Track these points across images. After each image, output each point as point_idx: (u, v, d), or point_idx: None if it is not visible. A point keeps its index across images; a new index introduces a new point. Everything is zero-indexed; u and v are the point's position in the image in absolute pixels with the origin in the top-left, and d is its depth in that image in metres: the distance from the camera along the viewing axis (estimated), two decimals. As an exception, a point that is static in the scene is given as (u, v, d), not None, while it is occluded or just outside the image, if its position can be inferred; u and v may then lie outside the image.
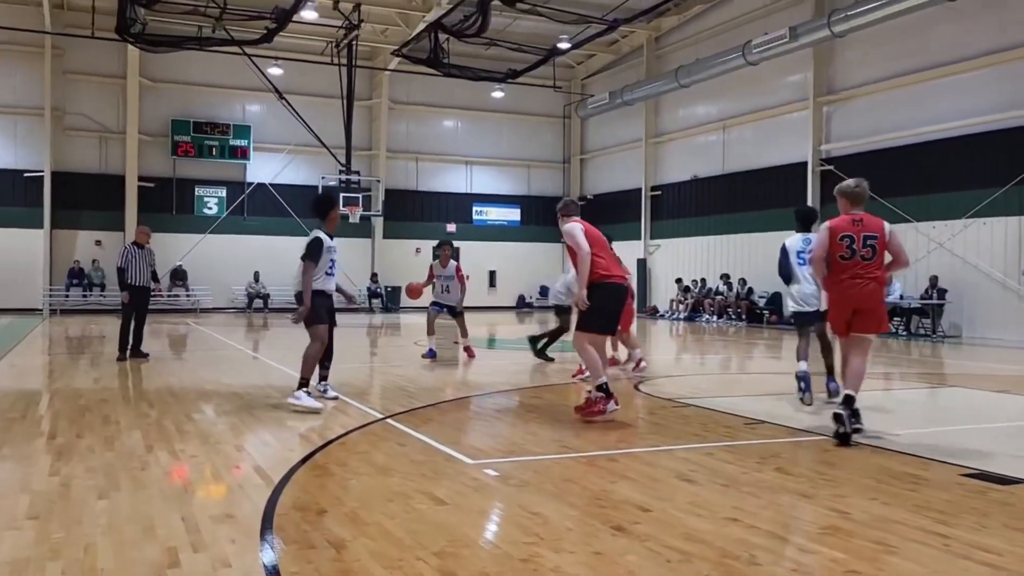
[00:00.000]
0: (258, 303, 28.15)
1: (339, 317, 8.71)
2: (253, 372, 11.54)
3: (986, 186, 18.29)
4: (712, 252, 26.76)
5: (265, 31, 21.51)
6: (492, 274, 32.77)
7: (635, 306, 11.67)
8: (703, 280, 26.64)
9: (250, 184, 29.10)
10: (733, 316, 24.57)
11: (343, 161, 27.12)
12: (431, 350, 12.50)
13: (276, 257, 26.49)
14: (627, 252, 25.35)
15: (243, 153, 28.82)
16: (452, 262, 12.67)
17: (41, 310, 25.78)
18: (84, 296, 26.60)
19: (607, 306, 7.23)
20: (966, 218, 18.76)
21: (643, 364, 10.81)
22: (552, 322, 12.76)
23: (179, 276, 27.76)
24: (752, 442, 6.44)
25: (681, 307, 26.67)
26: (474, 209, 32.64)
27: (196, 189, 28.66)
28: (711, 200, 26.74)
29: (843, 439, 6.26)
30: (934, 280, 19.02)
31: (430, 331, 12.68)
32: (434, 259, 13.05)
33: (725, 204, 26.09)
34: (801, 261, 8.51)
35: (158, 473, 5.31)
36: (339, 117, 27.04)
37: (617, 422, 7.12)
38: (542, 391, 9.41)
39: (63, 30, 24.93)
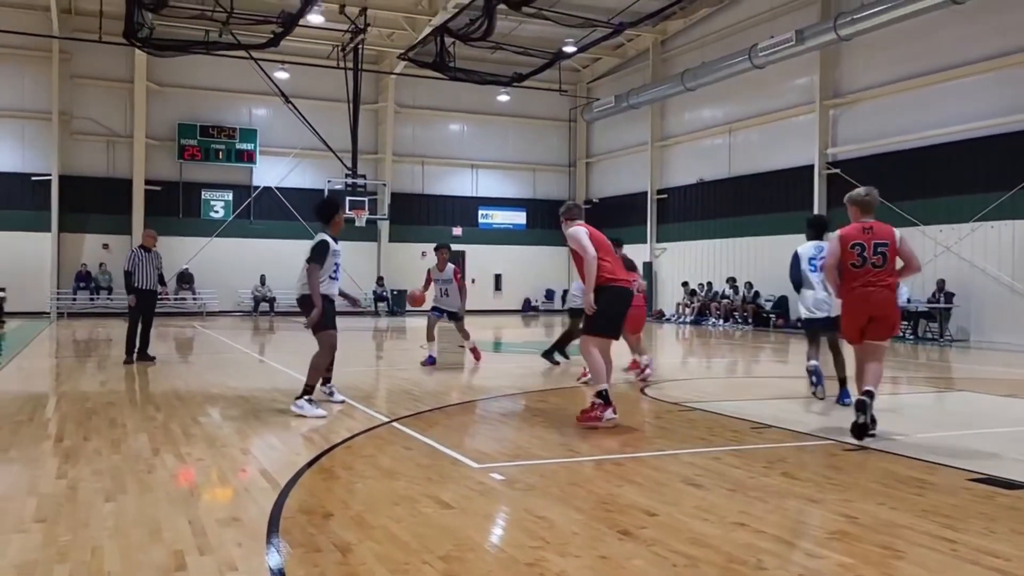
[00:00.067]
0: (264, 307, 28.22)
1: (345, 321, 8.72)
2: (259, 376, 11.56)
3: (993, 189, 18.24)
4: (718, 255, 26.74)
5: (272, 35, 21.56)
6: (498, 277, 32.80)
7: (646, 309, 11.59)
8: (709, 284, 26.61)
9: (256, 188, 29.18)
10: (739, 320, 24.53)
11: (349, 165, 27.16)
12: (430, 356, 12.24)
13: (282, 261, 26.54)
14: (633, 255, 25.30)
15: (249, 157, 28.91)
16: (450, 265, 12.37)
17: (49, 313, 25.87)
18: (91, 299, 26.68)
19: (613, 310, 7.20)
20: (973, 221, 18.71)
21: (648, 371, 10.78)
22: (562, 326, 12.75)
23: (186, 279, 27.84)
24: (759, 446, 6.42)
25: (687, 311, 26.64)
26: (480, 213, 32.67)
27: (203, 193, 28.76)
28: (717, 203, 26.72)
29: (861, 429, 6.37)
30: (941, 284, 18.97)
31: (429, 337, 12.39)
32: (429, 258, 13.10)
33: (731, 207, 26.07)
34: (813, 268, 8.56)
35: (164, 476, 5.32)
36: (345, 121, 27.08)
37: (623, 426, 7.10)
38: (548, 395, 9.41)
39: (71, 34, 25.08)
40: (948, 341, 18.65)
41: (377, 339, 19.50)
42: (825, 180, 22.61)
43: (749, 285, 24.80)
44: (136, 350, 12.28)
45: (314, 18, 23.11)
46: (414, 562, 3.70)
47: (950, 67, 19.28)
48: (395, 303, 29.62)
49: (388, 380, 10.94)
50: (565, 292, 32.49)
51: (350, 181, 27.08)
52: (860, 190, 6.93)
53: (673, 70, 27.54)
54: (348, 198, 26.92)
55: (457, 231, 31.89)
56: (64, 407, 8.16)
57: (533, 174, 33.38)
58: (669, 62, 28.62)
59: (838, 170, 22.14)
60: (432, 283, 12.39)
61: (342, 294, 8.34)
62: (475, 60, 25.27)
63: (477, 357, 12.60)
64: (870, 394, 6.47)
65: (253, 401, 8.63)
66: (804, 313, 8.84)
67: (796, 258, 8.80)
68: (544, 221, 32.09)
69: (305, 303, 7.83)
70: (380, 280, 30.23)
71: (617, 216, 30.43)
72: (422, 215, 31.31)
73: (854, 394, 6.89)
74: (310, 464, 5.65)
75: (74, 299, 26.54)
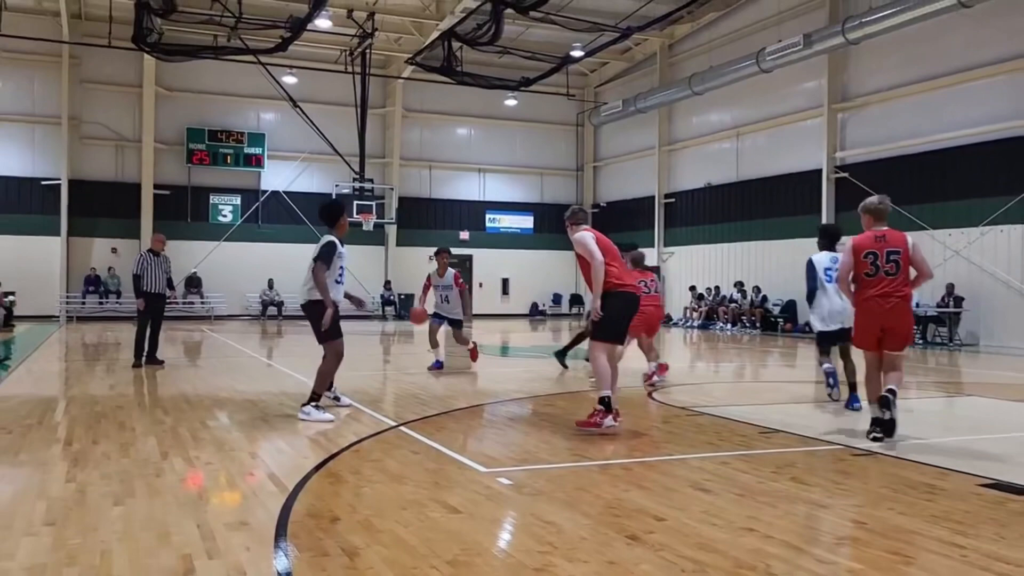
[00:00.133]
0: (272, 310, 28.29)
1: (352, 325, 8.72)
2: (267, 379, 11.58)
3: (1003, 193, 18.16)
4: (726, 260, 26.69)
5: (280, 40, 21.64)
6: (505, 282, 32.81)
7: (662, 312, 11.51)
8: (717, 288, 26.56)
9: (264, 192, 29.26)
10: (747, 324, 24.47)
11: (357, 169, 27.24)
12: (437, 362, 12.06)
13: (290, 265, 26.49)
14: (640, 260, 25.21)
15: (257, 161, 28.99)
16: (451, 270, 12.01)
17: (58, 317, 25.97)
18: (100, 303, 26.78)
19: (620, 315, 7.16)
20: (983, 226, 18.64)
21: (655, 377, 10.74)
22: (570, 330, 12.72)
23: (194, 283, 27.92)
24: (767, 451, 6.40)
25: (695, 315, 26.59)
26: (487, 217, 32.69)
27: (211, 197, 28.85)
28: (725, 207, 26.67)
29: (886, 426, 6.46)
30: (950, 288, 18.90)
31: (433, 344, 12.09)
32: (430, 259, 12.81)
33: (739, 211, 26.03)
34: (828, 278, 8.51)
35: (173, 480, 5.33)
36: (353, 125, 27.17)
37: (631, 431, 7.09)
38: (555, 399, 9.40)
39: (80, 40, 25.22)
40: (957, 345, 18.58)
41: (384, 343, 19.51)
42: (833, 184, 22.55)
43: (757, 289, 24.75)
44: (145, 354, 12.31)
45: (322, 23, 23.18)
46: (422, 566, 3.70)
47: (959, 71, 19.22)
48: (402, 307, 29.65)
49: (395, 384, 10.95)
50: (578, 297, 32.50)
51: (358, 185, 27.17)
52: (873, 199, 6.96)
53: (681, 74, 27.53)
54: (356, 202, 26.99)
55: (464, 235, 31.93)
56: (73, 411, 8.18)
57: (540, 178, 33.39)
58: (677, 66, 28.61)
59: (847, 174, 22.08)
60: (432, 289, 12.08)
61: (347, 296, 8.25)
62: (482, 64, 25.31)
63: (474, 357, 12.26)
64: (892, 392, 6.55)
65: (261, 405, 8.64)
66: (818, 325, 8.80)
67: (812, 267, 8.70)
68: (552, 225, 32.08)
69: (311, 309, 7.73)
70: (387, 284, 30.28)
71: (625, 220, 30.43)
72: (429, 219, 31.34)
73: (863, 398, 6.90)
74: (318, 468, 5.65)
75: (83, 303, 26.65)
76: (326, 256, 7.66)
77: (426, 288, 12.14)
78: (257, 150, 28.96)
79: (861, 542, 4.13)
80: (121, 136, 27.66)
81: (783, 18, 23.72)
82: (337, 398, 8.41)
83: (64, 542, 4.00)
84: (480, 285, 32.23)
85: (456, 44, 23.24)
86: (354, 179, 27.21)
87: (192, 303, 27.60)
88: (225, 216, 29.00)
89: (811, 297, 8.75)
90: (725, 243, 26.69)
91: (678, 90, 26.45)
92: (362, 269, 28.06)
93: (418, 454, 6.22)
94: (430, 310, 12.20)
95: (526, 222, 33.14)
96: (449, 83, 25.52)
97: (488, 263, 32.33)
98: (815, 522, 4.55)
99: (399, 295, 29.88)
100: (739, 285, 25.41)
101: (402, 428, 7.25)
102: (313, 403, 7.69)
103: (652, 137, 29.61)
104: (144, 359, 12.28)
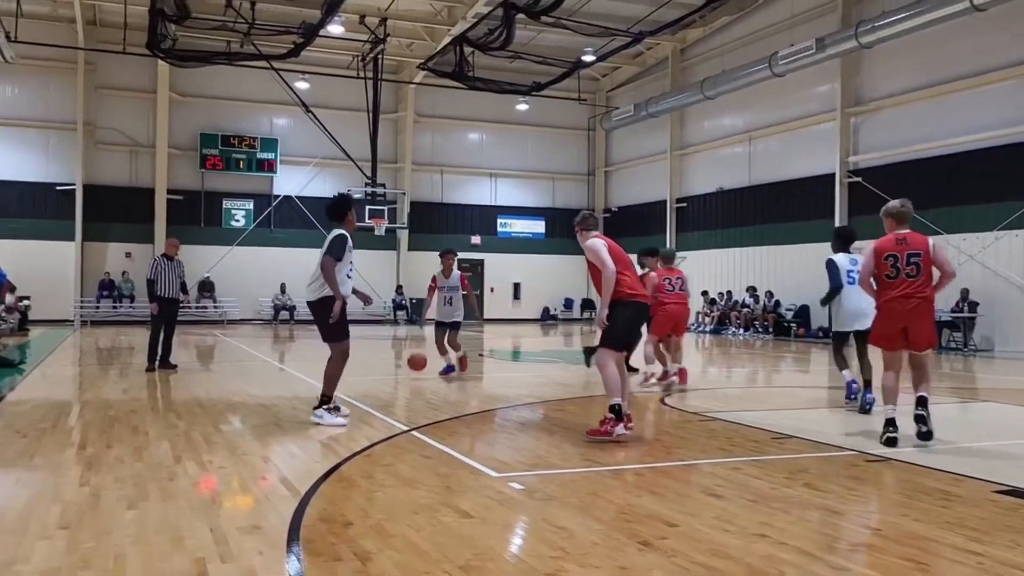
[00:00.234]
0: (284, 315, 28.39)
1: (364, 329, 8.72)
2: (279, 384, 11.61)
3: (1017, 198, 18.06)
4: (738, 264, 26.62)
5: (292, 45, 21.75)
6: (516, 286, 32.82)
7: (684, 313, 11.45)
8: (729, 292, 26.48)
9: (277, 197, 29.39)
10: (760, 329, 24.39)
11: (369, 174, 27.32)
12: (449, 366, 11.90)
13: (302, 269, 26.27)
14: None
15: (270, 166, 29.13)
16: (457, 272, 11.76)
17: (72, 321, 26.14)
18: (114, 307, 26.95)
19: (629, 324, 7.08)
20: (997, 230, 18.53)
21: (657, 380, 10.69)
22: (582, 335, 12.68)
23: (207, 288, 28.05)
24: (780, 457, 6.37)
25: (707, 320, 26.52)
26: (499, 221, 32.72)
27: (224, 202, 29.00)
28: (737, 212, 26.61)
29: (925, 436, 6.61)
30: (965, 293, 18.78)
31: (441, 352, 11.86)
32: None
33: (751, 216, 25.96)
34: (851, 280, 8.61)
35: (186, 484, 5.35)
36: (365, 130, 27.25)
37: (642, 436, 7.07)
38: (567, 404, 9.38)
39: (95, 46, 25.41)
40: (972, 351, 18.46)
41: (396, 348, 19.54)
42: (847, 188, 22.47)
43: (770, 294, 24.66)
44: (158, 358, 12.37)
45: (334, 29, 23.30)
46: (434, 571, 3.70)
47: (973, 74, 19.13)
48: (414, 311, 29.71)
49: (407, 389, 10.95)
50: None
51: (370, 190, 27.24)
52: (895, 202, 7.08)
53: (693, 78, 27.50)
54: (368, 207, 27.09)
55: (476, 240, 31.97)
56: (87, 415, 8.22)
57: (552, 183, 33.40)
58: (688, 70, 28.58)
59: (860, 178, 22.00)
60: (436, 291, 11.81)
61: (355, 292, 8.05)
62: (494, 69, 25.35)
63: (463, 367, 11.93)
64: (925, 403, 6.72)
65: (274, 409, 8.67)
66: (835, 326, 9.01)
67: (835, 265, 8.81)
68: (563, 230, 32.06)
69: (318, 307, 7.57)
70: (399, 289, 30.34)
71: (637, 225, 30.39)
72: (441, 224, 31.39)
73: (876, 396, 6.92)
74: (330, 472, 5.66)
75: (97, 307, 26.82)
76: (336, 249, 7.51)
77: (431, 291, 11.88)
78: (270, 155, 29.10)
79: (875, 549, 4.10)
80: (135, 141, 27.84)
81: (795, 22, 23.67)
82: (337, 407, 8.02)
83: (78, 546, 4.02)
84: (491, 290, 32.26)
85: (468, 49, 23.29)
86: (366, 184, 27.29)
87: (205, 307, 27.72)
88: (238, 221, 29.14)
89: (834, 295, 8.80)
90: (737, 248, 26.62)
91: (690, 94, 26.42)
92: (374, 274, 28.11)
93: (430, 458, 6.22)
94: (433, 315, 12.04)
95: (537, 227, 33.14)
96: (461, 88, 25.56)
97: (499, 268, 32.36)
98: (829, 528, 4.52)
99: (411, 299, 29.93)
100: (752, 290, 25.33)
101: (414, 432, 7.26)
102: (325, 406, 7.65)
103: (664, 141, 29.57)
104: (157, 363, 12.33)
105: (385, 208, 27.79)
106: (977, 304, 18.72)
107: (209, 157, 28.34)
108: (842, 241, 9.14)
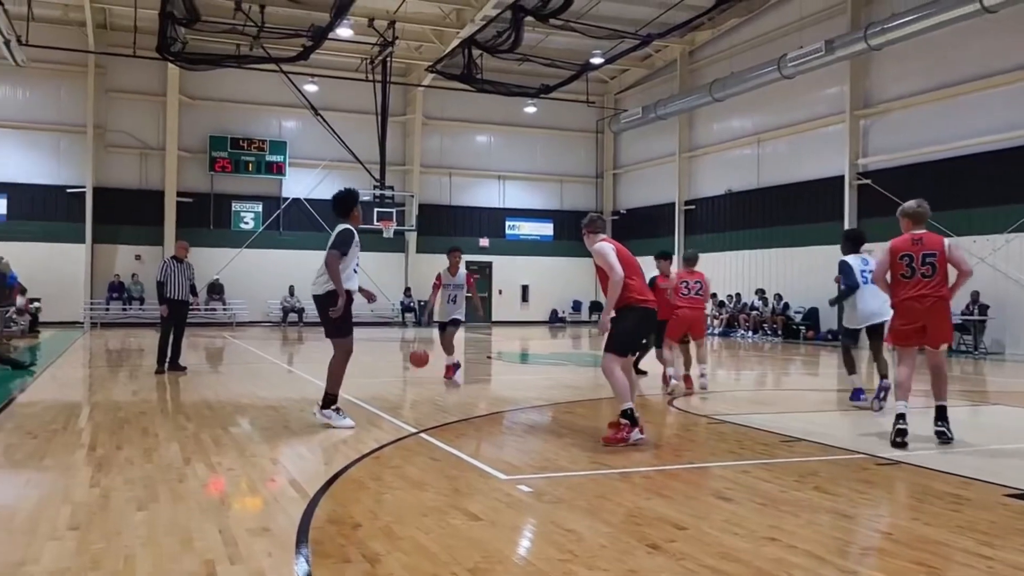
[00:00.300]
0: (293, 317, 28.45)
1: (372, 331, 8.71)
2: (288, 385, 11.64)
3: (1028, 200, 17.97)
4: (747, 267, 26.55)
5: (301, 48, 21.80)
6: (525, 289, 32.82)
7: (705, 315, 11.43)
8: (738, 295, 26.42)
9: (286, 199, 29.47)
10: (768, 332, 24.32)
11: (377, 176, 27.35)
12: (456, 363, 11.77)
13: (311, 271, 26.45)
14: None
15: (279, 169, 29.21)
16: (463, 270, 11.62)
17: (82, 323, 26.25)
18: (124, 309, 27.07)
19: (635, 329, 7.01)
20: (1008, 233, 18.43)
21: (674, 383, 10.70)
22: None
23: (216, 290, 28.14)
24: (789, 460, 6.35)
25: (716, 322, 26.45)
26: (507, 224, 32.73)
27: (233, 204, 29.09)
28: (746, 214, 26.55)
29: (946, 441, 6.79)
30: (975, 296, 18.69)
31: (448, 351, 11.64)
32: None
33: (760, 218, 25.90)
34: (865, 279, 8.94)
35: (195, 485, 5.36)
36: (373, 133, 27.27)
37: (651, 439, 7.05)
38: (575, 406, 9.38)
39: (106, 50, 25.55)
40: (983, 354, 18.37)
41: (404, 350, 19.55)
42: (856, 191, 22.39)
43: (779, 297, 24.60)
44: (168, 360, 12.40)
45: (343, 32, 23.34)
46: (442, 573, 3.70)
47: (983, 76, 19.05)
48: (422, 314, 29.71)
49: (415, 391, 10.96)
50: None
51: (378, 192, 27.28)
52: (912, 202, 7.18)
53: (701, 81, 27.46)
54: (376, 209, 27.14)
55: (484, 242, 31.99)
56: (97, 416, 8.26)
57: (560, 185, 33.39)
58: (697, 73, 28.54)
59: (869, 180, 21.93)
60: (441, 288, 11.59)
61: (361, 290, 7.91)
62: (502, 72, 25.36)
63: (450, 374, 11.56)
64: (944, 413, 6.91)
65: (282, 411, 8.68)
66: (845, 322, 9.37)
67: (849, 266, 9.17)
68: (571, 232, 32.00)
69: (323, 300, 7.45)
70: (408, 291, 30.37)
71: (645, 227, 30.35)
72: (449, 226, 31.38)
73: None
74: (339, 474, 5.67)
75: (107, 309, 26.92)
76: (342, 244, 7.43)
77: (436, 288, 11.68)
78: (279, 158, 29.18)
79: (886, 552, 4.09)
80: (145, 144, 27.96)
81: (804, 24, 23.62)
82: (338, 409, 7.80)
83: (88, 546, 4.03)
84: (500, 292, 32.27)
85: (476, 52, 23.30)
86: (375, 186, 27.33)
87: (214, 310, 27.81)
88: (247, 223, 29.23)
89: (848, 294, 9.13)
90: (746, 250, 26.55)
91: (698, 97, 26.38)
92: (382, 276, 28.15)
93: (438, 461, 6.22)
94: (437, 314, 11.90)
95: (546, 229, 33.14)
96: (469, 91, 25.57)
97: (508, 270, 32.36)
98: (839, 532, 4.49)
99: (419, 302, 29.95)
100: (760, 292, 25.26)
101: (422, 435, 7.26)
102: (333, 406, 7.57)
103: (672, 144, 29.54)
104: (167, 365, 12.37)
105: (393, 210, 27.84)
106: (987, 307, 18.63)
107: (218, 160, 28.43)
108: (852, 243, 9.43)
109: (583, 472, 5.85)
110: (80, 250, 26.62)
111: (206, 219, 28.45)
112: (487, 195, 32.53)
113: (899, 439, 6.65)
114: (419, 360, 11.08)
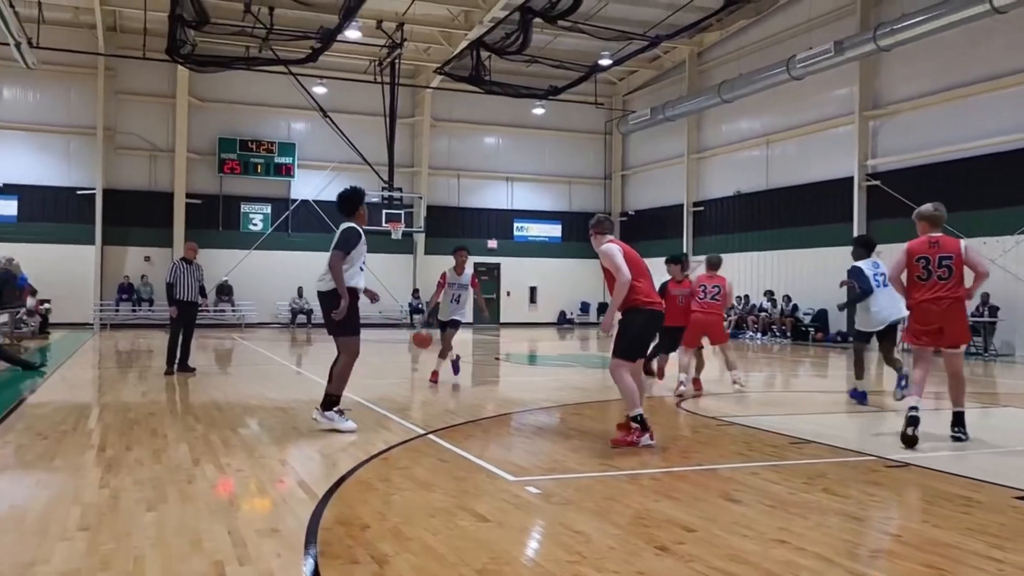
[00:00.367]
0: (301, 318, 28.51)
1: (380, 332, 8.71)
2: (297, 387, 11.66)
3: (1039, 201, 17.89)
4: (756, 268, 26.48)
5: (310, 51, 21.85)
6: (533, 290, 32.81)
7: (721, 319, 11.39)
8: (747, 297, 26.35)
9: (294, 201, 29.54)
10: (777, 333, 24.26)
11: (386, 178, 27.40)
12: (454, 365, 11.72)
13: (319, 273, 26.73)
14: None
15: (288, 170, 29.29)
16: (468, 270, 11.42)
17: (92, 324, 26.36)
18: (133, 311, 27.17)
19: (642, 332, 6.95)
20: (1018, 234, 18.34)
21: (682, 388, 10.67)
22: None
23: (225, 291, 28.22)
24: (798, 462, 6.33)
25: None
26: (515, 225, 32.73)
27: (242, 206, 29.18)
28: (754, 216, 26.49)
29: (958, 440, 6.93)
30: (986, 297, 18.60)
31: (447, 349, 11.46)
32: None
33: (769, 220, 25.83)
34: (877, 282, 9.19)
35: (205, 486, 5.38)
36: (382, 134, 27.34)
37: (660, 441, 7.04)
38: (584, 408, 9.37)
39: (116, 52, 25.65)
40: (993, 355, 18.28)
41: (413, 351, 19.56)
42: (865, 192, 22.32)
43: (787, 298, 24.53)
44: (177, 361, 12.44)
45: (352, 34, 23.37)
46: (451, 575, 3.70)
47: (993, 77, 18.97)
48: (430, 315, 29.75)
49: (423, 392, 10.97)
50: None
51: (386, 194, 27.34)
52: (928, 206, 7.27)
53: (710, 82, 27.41)
54: (384, 211, 27.19)
55: (492, 244, 32.00)
56: (107, 417, 8.29)
57: (568, 187, 33.38)
58: (706, 74, 28.50)
59: (878, 182, 21.85)
60: (446, 287, 11.34)
61: (364, 291, 7.73)
62: (511, 73, 25.38)
63: (434, 378, 11.38)
64: (961, 419, 7.02)
65: (291, 412, 8.70)
66: (859, 326, 9.61)
67: (861, 271, 9.40)
68: (580, 234, 31.92)
69: (327, 298, 7.33)
70: (416, 292, 30.41)
71: (653, 229, 30.31)
72: (458, 228, 31.38)
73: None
74: (347, 475, 5.67)
75: (116, 310, 27.03)
76: (345, 244, 7.31)
77: (440, 286, 11.40)
78: (287, 159, 29.26)
79: (896, 555, 4.07)
80: (154, 146, 28.07)
81: (813, 25, 23.55)
82: (341, 411, 7.63)
83: (98, 547, 4.05)
84: (508, 294, 32.28)
85: (484, 53, 23.32)
86: (383, 188, 27.39)
87: (223, 311, 27.89)
88: (256, 225, 29.31)
89: (861, 299, 9.36)
90: (755, 252, 26.48)
91: (707, 98, 26.33)
92: (390, 277, 28.21)
93: (446, 462, 6.22)
94: (439, 313, 11.68)
95: (554, 231, 33.14)
96: (477, 92, 25.59)
97: (516, 272, 32.37)
98: (848, 534, 4.48)
99: (427, 303, 29.97)
100: (769, 294, 25.20)
101: (430, 436, 7.26)
102: (335, 408, 7.40)
103: (681, 145, 29.49)
104: (176, 366, 12.41)
105: (402, 212, 27.90)
106: (998, 308, 18.54)
107: (227, 161, 28.52)
108: (864, 249, 9.67)
109: (591, 474, 5.85)
110: (90, 251, 26.75)
111: (215, 221, 28.54)
112: (495, 197, 32.54)
113: (910, 429, 6.68)
114: (423, 341, 11.19)
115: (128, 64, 25.71)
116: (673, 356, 11.59)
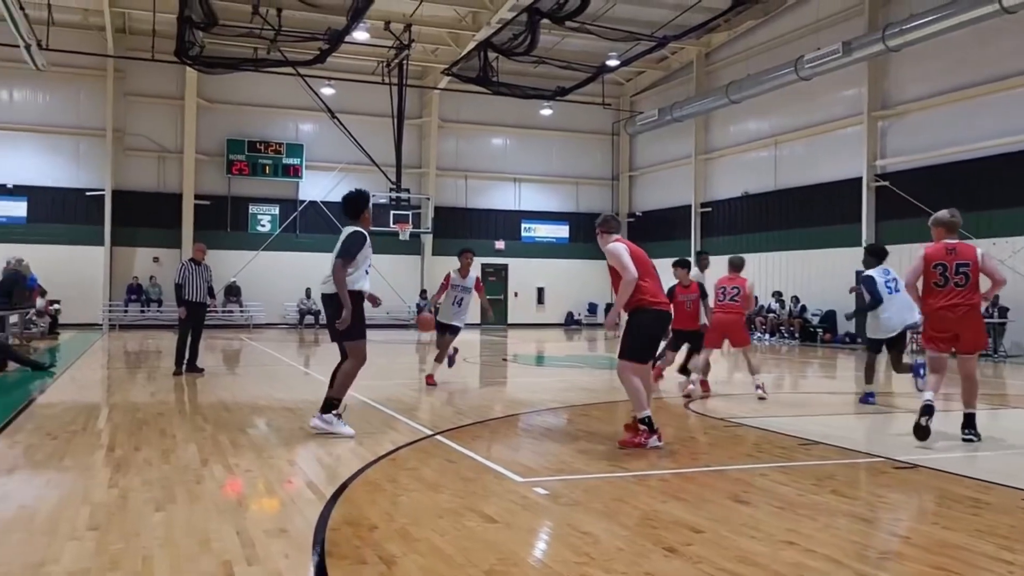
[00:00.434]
0: (309, 319, 28.56)
1: (387, 333, 8.70)
2: (305, 388, 11.68)
3: (1049, 202, 17.80)
4: (764, 269, 26.39)
5: (318, 52, 21.88)
6: (540, 291, 32.80)
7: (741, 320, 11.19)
8: (755, 298, 26.25)
9: (302, 202, 29.60)
10: (786, 335, 24.19)
11: (393, 179, 27.43)
12: (450, 360, 11.65)
13: (324, 275, 26.76)
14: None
15: (296, 171, 29.35)
16: (473, 273, 11.31)
17: (101, 325, 26.45)
18: (142, 311, 27.25)
19: (649, 333, 6.91)
20: (1028, 235, 18.26)
21: (691, 387, 10.65)
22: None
23: (233, 292, 28.29)
24: (807, 463, 6.32)
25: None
26: (522, 226, 32.73)
27: (250, 207, 29.25)
28: (763, 217, 26.42)
29: (969, 442, 6.96)
30: (995, 299, 18.49)
31: (439, 359, 11.47)
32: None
33: (777, 221, 25.77)
34: (889, 290, 9.33)
35: (213, 487, 5.39)
36: (390, 135, 27.36)
37: (668, 442, 7.03)
38: (591, 409, 9.37)
39: (124, 54, 25.74)
40: (1002, 356, 18.19)
41: (420, 352, 19.58)
42: (874, 193, 22.24)
43: (796, 299, 24.46)
44: (185, 362, 12.48)
45: (360, 35, 23.41)
46: (459, 576, 3.70)
47: (1002, 77, 18.88)
48: (439, 317, 29.74)
49: (431, 393, 10.97)
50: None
51: (394, 195, 27.37)
52: (944, 212, 7.29)
53: (718, 83, 27.36)
54: (392, 212, 27.20)
55: (500, 244, 32.00)
56: (115, 417, 8.32)
57: (576, 188, 33.36)
58: (713, 75, 28.45)
59: (887, 182, 21.77)
60: (449, 288, 11.25)
61: (368, 296, 7.59)
62: (518, 74, 25.35)
63: (430, 381, 11.38)
64: (972, 420, 7.05)
65: (299, 413, 8.71)
66: (871, 333, 9.68)
67: (873, 280, 9.50)
68: (587, 235, 31.75)
69: (331, 302, 7.23)
70: (423, 293, 30.40)
71: (661, 230, 30.27)
72: (465, 229, 31.37)
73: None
74: (355, 476, 5.68)
75: (125, 311, 27.12)
76: (347, 252, 7.17)
77: (443, 287, 11.31)
78: (295, 160, 29.32)
79: (905, 557, 4.05)
80: (163, 147, 28.17)
81: (821, 25, 23.49)
82: (339, 415, 7.45)
83: (107, 547, 4.06)
84: (515, 294, 32.28)
85: (492, 54, 23.32)
86: (391, 189, 27.41)
87: (231, 312, 27.95)
88: (264, 226, 29.38)
89: (872, 308, 9.46)
90: (763, 253, 26.39)
91: (715, 99, 26.28)
92: (398, 278, 28.25)
93: (454, 463, 6.22)
94: (439, 314, 11.55)
95: (561, 231, 33.12)
96: (485, 93, 25.57)
97: (523, 272, 32.36)
98: (857, 536, 4.46)
99: (435, 305, 30.01)
100: (777, 295, 25.13)
101: (438, 437, 7.27)
102: (334, 411, 7.25)
103: (688, 146, 29.45)
104: (184, 367, 12.44)
105: (409, 213, 27.90)
106: (1007, 309, 18.45)
107: (236, 162, 28.60)
108: (875, 258, 9.76)
109: (599, 475, 5.84)
110: (99, 252, 26.84)
111: (223, 222, 28.61)
112: (503, 197, 32.54)
113: (924, 419, 6.73)
114: (426, 324, 11.31)
115: (137, 66, 25.80)
116: (673, 357, 11.60)
